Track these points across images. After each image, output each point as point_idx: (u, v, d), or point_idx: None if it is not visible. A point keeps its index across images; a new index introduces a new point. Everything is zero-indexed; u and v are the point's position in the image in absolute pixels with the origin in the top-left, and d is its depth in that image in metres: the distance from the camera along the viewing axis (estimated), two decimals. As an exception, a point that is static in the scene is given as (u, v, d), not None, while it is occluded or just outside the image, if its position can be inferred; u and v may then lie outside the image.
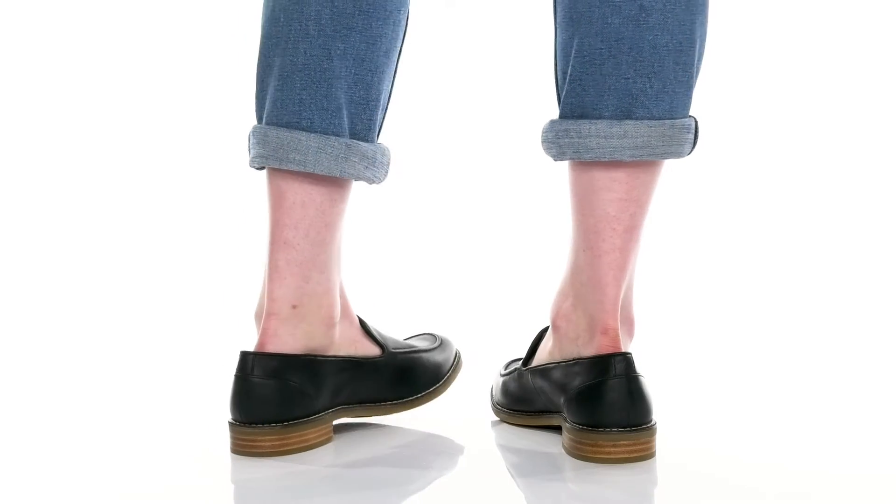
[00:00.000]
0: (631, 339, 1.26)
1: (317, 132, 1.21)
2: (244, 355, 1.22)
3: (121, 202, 2.41)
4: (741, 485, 1.10)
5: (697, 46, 1.20)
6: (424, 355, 1.36)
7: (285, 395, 1.21)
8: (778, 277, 2.20)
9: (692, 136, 1.21)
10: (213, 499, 1.12)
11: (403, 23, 1.25)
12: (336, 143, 1.21)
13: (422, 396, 1.35)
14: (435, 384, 1.36)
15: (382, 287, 2.17)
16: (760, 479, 1.12)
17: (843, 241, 2.27)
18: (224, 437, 1.24)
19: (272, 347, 1.22)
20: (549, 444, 1.23)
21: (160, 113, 2.41)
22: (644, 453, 1.15)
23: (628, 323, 1.25)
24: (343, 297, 1.30)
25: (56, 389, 1.60)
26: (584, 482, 1.11)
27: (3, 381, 1.68)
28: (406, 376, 1.33)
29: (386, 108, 1.27)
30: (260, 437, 1.20)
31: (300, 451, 1.21)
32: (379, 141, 1.27)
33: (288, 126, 1.21)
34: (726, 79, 2.37)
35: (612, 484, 1.10)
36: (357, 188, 1.32)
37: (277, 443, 1.20)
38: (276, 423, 1.20)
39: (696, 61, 1.21)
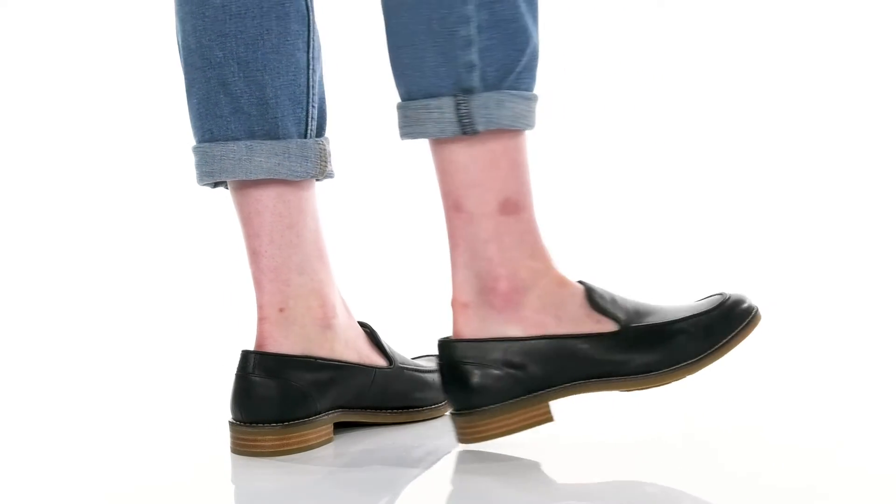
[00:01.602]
0: (499, 311, 1.18)
1: (217, 140, 1.22)
2: (245, 354, 1.22)
3: (122, 202, 2.41)
4: (746, 485, 1.10)
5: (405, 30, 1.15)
6: (430, 375, 1.35)
7: (286, 395, 1.21)
8: (785, 277, 2.20)
9: (437, 115, 1.15)
10: (213, 499, 1.12)
11: (296, 15, 1.23)
12: (235, 147, 1.21)
13: (425, 410, 1.34)
14: (438, 403, 1.36)
15: (380, 289, 2.17)
16: (766, 478, 1.11)
17: (846, 242, 2.27)
18: (224, 437, 1.24)
19: (271, 348, 1.22)
20: (552, 445, 1.23)
21: (164, 114, 2.41)
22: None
23: (497, 291, 1.18)
24: (343, 304, 1.29)
25: (56, 389, 1.60)
26: (582, 483, 1.11)
27: (4, 382, 1.68)
28: (411, 392, 1.33)
29: (306, 103, 1.24)
30: (260, 437, 1.20)
31: (300, 452, 1.21)
32: (322, 136, 1.26)
33: (199, 143, 1.24)
34: (730, 76, 2.37)
35: (606, 485, 1.10)
36: (351, 190, 1.31)
37: (277, 443, 1.20)
38: (276, 422, 1.20)
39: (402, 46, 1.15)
